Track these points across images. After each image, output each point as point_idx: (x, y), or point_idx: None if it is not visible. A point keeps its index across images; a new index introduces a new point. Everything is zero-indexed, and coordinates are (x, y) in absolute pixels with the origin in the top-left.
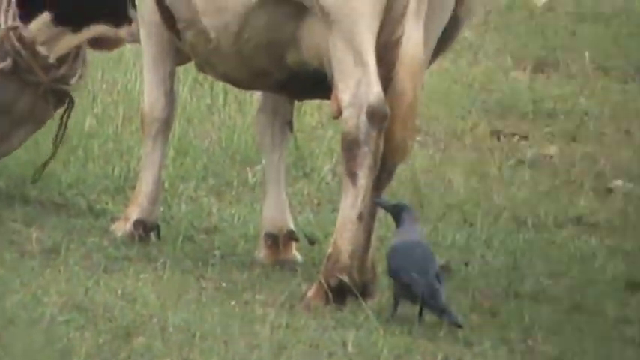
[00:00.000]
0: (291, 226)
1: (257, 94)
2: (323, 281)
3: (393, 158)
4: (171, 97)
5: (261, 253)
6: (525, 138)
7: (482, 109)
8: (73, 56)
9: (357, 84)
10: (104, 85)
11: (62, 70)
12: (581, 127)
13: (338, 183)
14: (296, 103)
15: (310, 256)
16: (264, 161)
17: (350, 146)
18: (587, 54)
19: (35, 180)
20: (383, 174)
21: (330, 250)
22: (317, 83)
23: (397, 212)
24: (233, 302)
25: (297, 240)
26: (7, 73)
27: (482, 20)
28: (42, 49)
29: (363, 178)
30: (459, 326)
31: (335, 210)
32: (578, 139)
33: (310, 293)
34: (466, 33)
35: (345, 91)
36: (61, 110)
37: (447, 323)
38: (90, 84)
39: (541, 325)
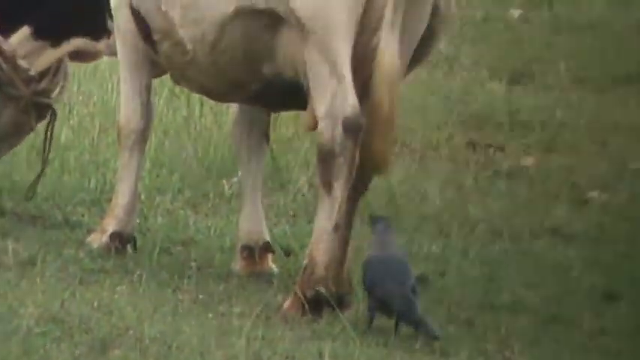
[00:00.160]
0: (267, 238)
1: (233, 106)
2: (299, 293)
3: (371, 170)
4: (147, 108)
5: (238, 265)
6: (501, 149)
7: (458, 121)
8: (54, 70)
9: (332, 95)
10: (80, 97)
11: (43, 84)
12: (558, 139)
13: (314, 194)
14: (272, 114)
15: (286, 267)
16: (240, 173)
17: (325, 158)
18: (563, 65)
19: (29, 197)
20: (359, 184)
21: (305, 261)
22: (293, 95)
23: (372, 223)
24: (210, 314)
25: (273, 252)
26: None
27: (458, 32)
28: (23, 63)
29: (339, 189)
30: (436, 338)
31: (311, 221)
32: (554, 150)
33: (286, 305)
34: (442, 44)
35: (320, 102)
36: (43, 123)
37: (423, 336)
38: (66, 96)
39: (518, 336)
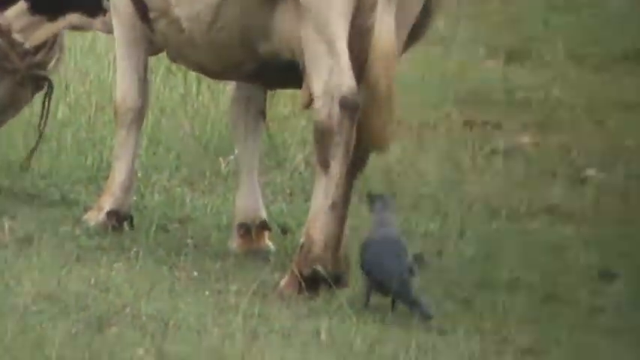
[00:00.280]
0: (264, 216)
1: (230, 84)
2: (296, 271)
3: (370, 148)
4: (144, 86)
5: (234, 242)
6: (499, 127)
7: (455, 99)
8: (50, 43)
9: (329, 73)
10: (77, 75)
11: (39, 57)
12: (555, 117)
13: (311, 172)
14: (269, 92)
15: (283, 245)
16: (237, 151)
17: (322, 136)
18: (560, 43)
19: (25, 169)
20: (356, 163)
21: (302, 239)
22: (290, 73)
23: (372, 201)
24: (206, 292)
25: (269, 230)
26: None
27: (455, 10)
28: (18, 37)
29: (336, 167)
30: (429, 318)
31: (308, 199)
32: (551, 128)
33: (283, 283)
34: (439, 23)
35: (317, 80)
36: (41, 95)
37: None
38: (63, 73)
39: (515, 314)
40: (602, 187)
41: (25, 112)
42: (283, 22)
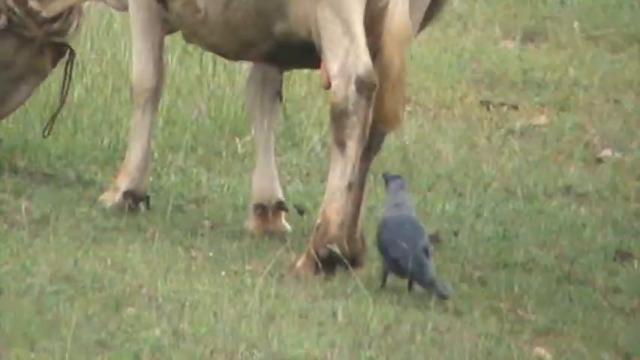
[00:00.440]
0: (281, 196)
1: (247, 64)
2: (312, 251)
3: (383, 128)
4: (160, 66)
5: (251, 223)
6: (515, 108)
7: (471, 79)
8: (68, 11)
9: (345, 54)
10: (93, 56)
11: (57, 25)
12: (571, 97)
13: (327, 153)
14: (285, 73)
15: (299, 226)
16: (253, 131)
17: (339, 116)
18: (576, 23)
19: (46, 134)
20: (372, 143)
21: (319, 220)
22: (306, 53)
23: (387, 182)
24: (222, 272)
25: (286, 210)
26: (3, 31)
27: None
28: (34, 5)
29: (352, 148)
30: (446, 298)
31: (324, 180)
32: (567, 108)
33: (300, 263)
34: (455, 3)
35: (333, 61)
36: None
37: (435, 295)
38: (79, 54)
39: (531, 294)
40: (618, 167)
41: (42, 93)
42: (299, 2)
